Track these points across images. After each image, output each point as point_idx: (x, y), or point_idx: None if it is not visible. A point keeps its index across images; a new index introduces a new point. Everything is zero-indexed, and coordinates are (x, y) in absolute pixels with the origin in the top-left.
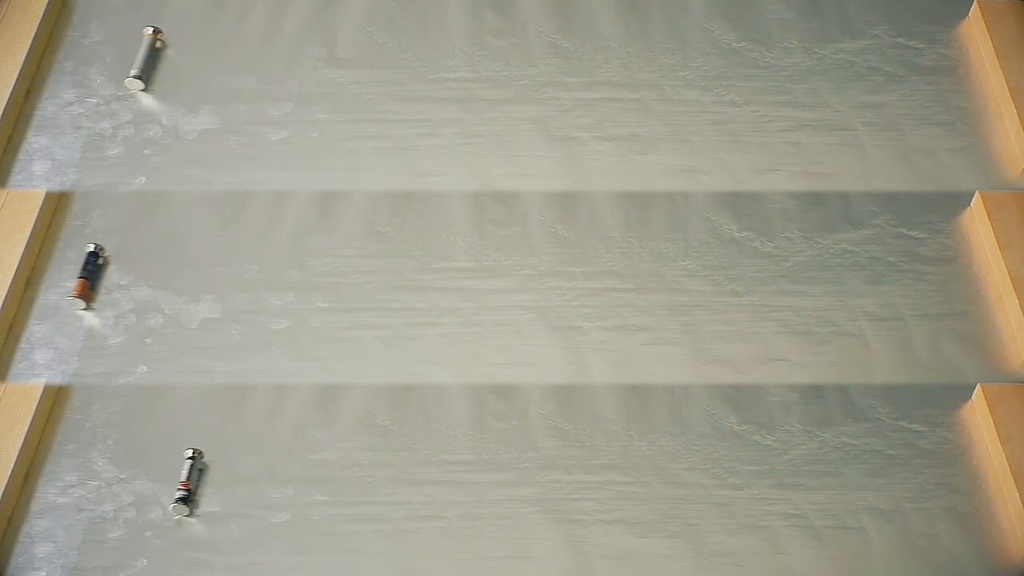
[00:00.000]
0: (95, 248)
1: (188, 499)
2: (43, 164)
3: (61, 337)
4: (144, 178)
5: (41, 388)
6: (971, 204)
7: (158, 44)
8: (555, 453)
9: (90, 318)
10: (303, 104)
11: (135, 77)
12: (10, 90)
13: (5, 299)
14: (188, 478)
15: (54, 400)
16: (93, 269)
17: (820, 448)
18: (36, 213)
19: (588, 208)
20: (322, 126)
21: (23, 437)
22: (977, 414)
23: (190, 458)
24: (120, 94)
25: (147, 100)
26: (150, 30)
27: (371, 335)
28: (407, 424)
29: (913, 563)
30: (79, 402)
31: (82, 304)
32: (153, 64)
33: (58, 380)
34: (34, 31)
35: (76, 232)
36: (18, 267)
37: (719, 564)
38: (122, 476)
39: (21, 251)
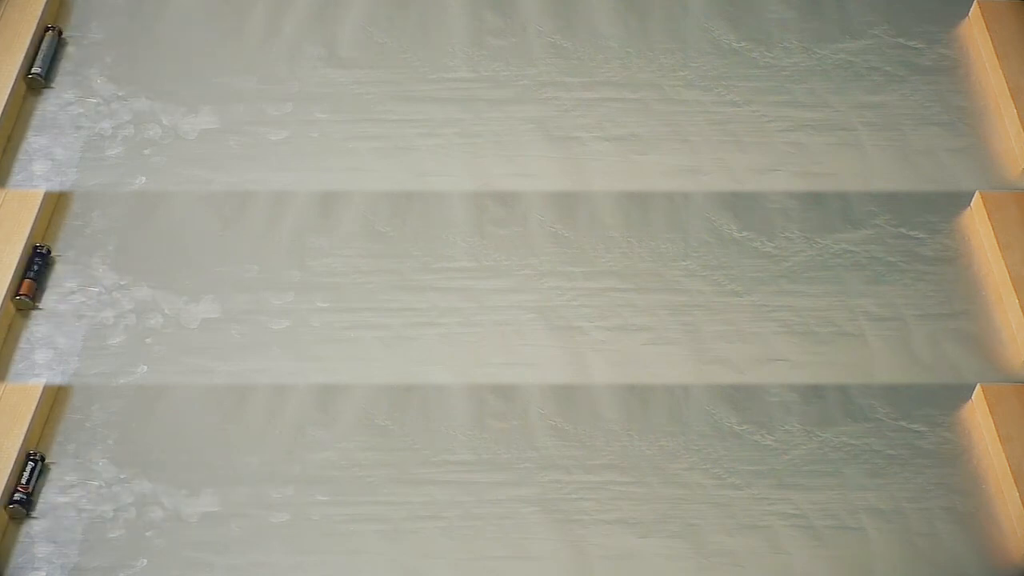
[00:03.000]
0: (41, 247)
1: (26, 502)
2: (43, 164)
3: (61, 337)
4: (144, 178)
5: (41, 388)
6: (971, 204)
7: (58, 41)
8: (555, 453)
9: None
10: (303, 104)
11: (36, 75)
12: (10, 90)
13: (4, 298)
14: (28, 481)
15: (54, 400)
16: (40, 268)
17: (820, 448)
18: (35, 213)
19: (588, 208)
20: (322, 126)
21: (23, 437)
22: (977, 414)
23: (31, 460)
24: (120, 94)
25: (147, 100)
26: (49, 28)
27: (371, 335)
28: (407, 424)
29: (913, 563)
30: (79, 402)
31: None
32: (54, 61)
33: (58, 380)
34: (32, 30)
35: (76, 232)
36: (17, 267)
37: (719, 564)
38: (122, 476)
39: (20, 251)
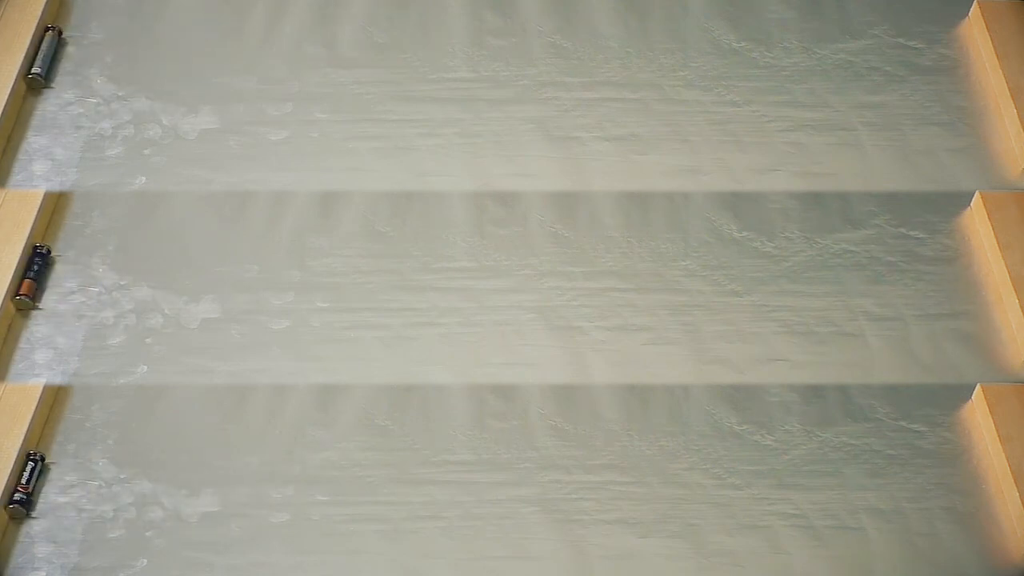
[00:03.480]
0: (41, 247)
1: (26, 502)
2: (43, 164)
3: (61, 337)
4: (144, 178)
5: (41, 388)
6: (971, 204)
7: (58, 41)
8: (555, 453)
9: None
10: (303, 104)
11: (36, 75)
12: (10, 90)
13: (4, 299)
14: (28, 481)
15: (54, 400)
16: (40, 268)
17: (820, 448)
18: (35, 213)
19: (588, 208)
20: (322, 126)
21: (23, 437)
22: (977, 414)
23: (31, 460)
24: (120, 94)
25: (147, 100)
26: (49, 28)
27: (371, 335)
28: (407, 424)
29: (913, 563)
30: (79, 402)
31: None
32: (54, 61)
33: (58, 380)
34: (32, 30)
35: (76, 232)
36: (17, 267)
37: (719, 564)
38: (122, 476)
39: (20, 251)
